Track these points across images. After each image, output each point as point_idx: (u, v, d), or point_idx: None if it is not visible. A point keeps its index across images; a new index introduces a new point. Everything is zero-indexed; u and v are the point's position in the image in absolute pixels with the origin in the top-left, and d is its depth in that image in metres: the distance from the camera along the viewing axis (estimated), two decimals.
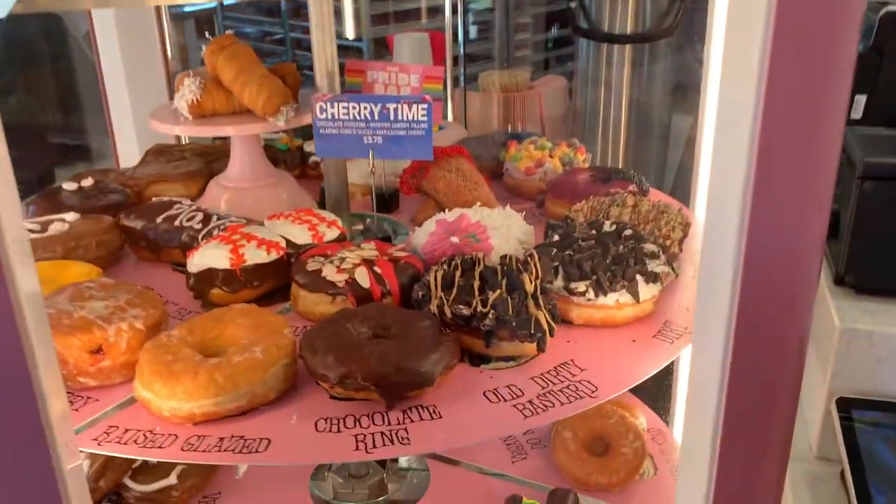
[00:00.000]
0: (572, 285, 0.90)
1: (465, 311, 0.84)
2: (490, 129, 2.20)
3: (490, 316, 0.83)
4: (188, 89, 1.14)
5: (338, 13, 1.26)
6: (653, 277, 0.91)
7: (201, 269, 0.96)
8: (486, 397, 0.79)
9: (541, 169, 1.33)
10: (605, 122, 2.33)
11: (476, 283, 0.87)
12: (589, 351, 0.87)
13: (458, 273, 0.90)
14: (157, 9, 1.57)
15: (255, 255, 0.97)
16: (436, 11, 3.21)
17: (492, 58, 3.32)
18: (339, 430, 0.74)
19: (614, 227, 0.99)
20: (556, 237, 0.99)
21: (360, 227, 1.27)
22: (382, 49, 3.24)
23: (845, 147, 1.28)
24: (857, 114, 1.63)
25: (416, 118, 1.04)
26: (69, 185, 1.23)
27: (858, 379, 1.26)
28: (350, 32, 1.84)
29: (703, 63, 1.21)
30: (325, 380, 0.77)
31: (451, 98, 1.64)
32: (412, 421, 0.75)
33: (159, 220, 1.09)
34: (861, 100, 1.62)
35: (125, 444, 0.72)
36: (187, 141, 1.56)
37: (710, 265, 0.59)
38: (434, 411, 0.77)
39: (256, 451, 0.71)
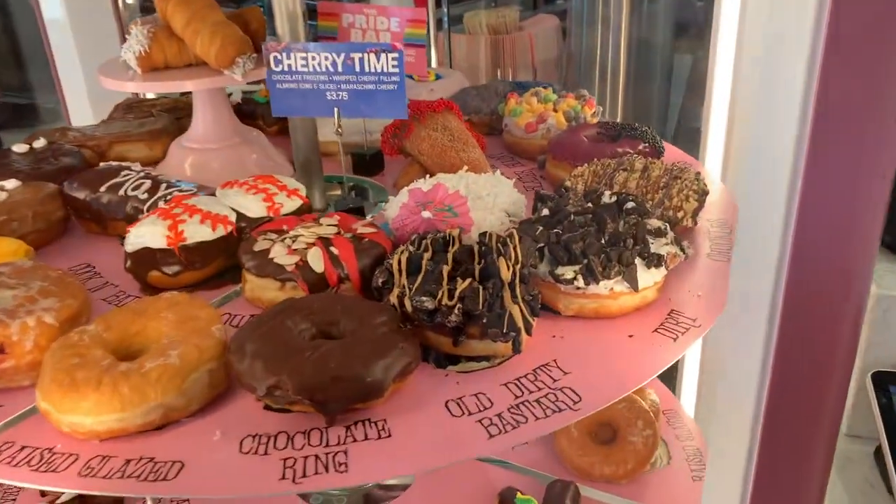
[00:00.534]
0: (559, 271, 0.76)
1: (429, 305, 0.70)
2: (477, 76, 2.01)
3: (457, 310, 0.70)
4: (135, 39, 1.00)
5: None
6: (655, 261, 0.77)
7: (137, 248, 0.84)
8: (448, 409, 0.67)
9: (543, 125, 1.17)
10: (602, 66, 2.10)
11: (446, 269, 0.73)
12: (576, 349, 0.74)
13: (427, 255, 0.76)
14: None
15: (198, 232, 0.84)
16: None
17: None
18: (265, 453, 0.62)
19: (614, 198, 0.84)
20: (546, 211, 0.84)
21: (339, 193, 1.14)
22: None
23: None
24: None
25: (385, 69, 0.89)
26: (19, 148, 1.12)
27: None
28: None
29: None
30: (251, 390, 0.65)
31: (435, 43, 1.48)
32: (355, 440, 0.63)
33: (103, 189, 0.97)
34: None
35: (16, 466, 0.62)
36: (153, 96, 1.42)
37: (750, 243, 0.47)
38: (383, 428, 0.65)
39: (165, 479, 0.60)
